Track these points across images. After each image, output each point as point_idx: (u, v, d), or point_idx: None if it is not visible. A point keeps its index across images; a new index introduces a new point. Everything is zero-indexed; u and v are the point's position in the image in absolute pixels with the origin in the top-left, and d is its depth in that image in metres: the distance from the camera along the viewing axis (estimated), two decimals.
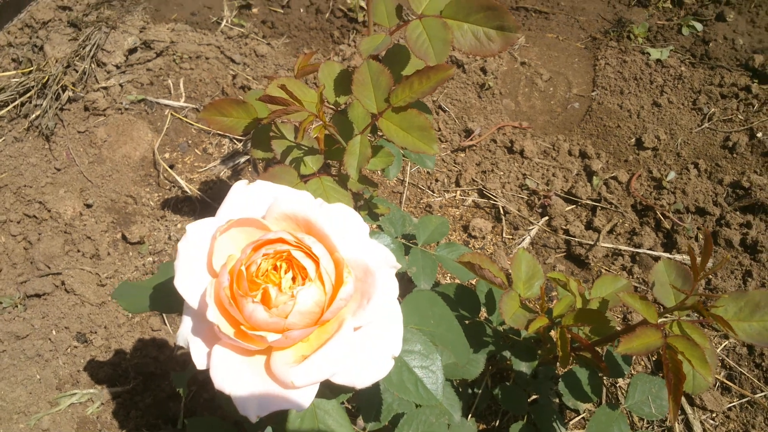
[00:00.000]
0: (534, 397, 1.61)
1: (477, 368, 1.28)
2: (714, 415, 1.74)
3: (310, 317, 0.71)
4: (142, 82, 2.42)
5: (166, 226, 2.11)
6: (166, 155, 2.28)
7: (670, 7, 2.80)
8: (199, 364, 0.73)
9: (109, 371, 1.82)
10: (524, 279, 1.21)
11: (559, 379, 1.30)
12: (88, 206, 2.13)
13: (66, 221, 2.08)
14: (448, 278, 2.04)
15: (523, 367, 1.36)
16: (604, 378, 1.75)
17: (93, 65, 2.41)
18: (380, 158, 1.18)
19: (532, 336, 1.39)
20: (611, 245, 2.07)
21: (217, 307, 0.70)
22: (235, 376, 0.71)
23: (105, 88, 2.37)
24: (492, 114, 2.44)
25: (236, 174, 2.25)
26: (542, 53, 2.70)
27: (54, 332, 1.87)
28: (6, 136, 2.23)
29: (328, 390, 0.83)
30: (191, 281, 0.75)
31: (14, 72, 2.37)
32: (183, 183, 2.19)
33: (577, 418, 1.72)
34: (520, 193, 2.23)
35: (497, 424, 1.70)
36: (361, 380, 0.73)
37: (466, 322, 1.40)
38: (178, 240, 2.05)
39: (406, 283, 1.61)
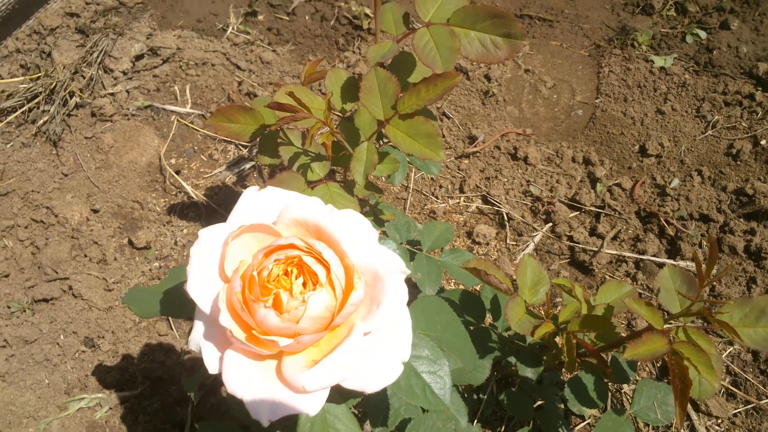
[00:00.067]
0: (539, 402, 1.62)
1: (482, 374, 1.29)
2: (719, 421, 1.75)
3: (321, 322, 0.72)
4: (148, 89, 2.43)
5: (172, 231, 2.12)
6: (173, 161, 2.29)
7: (674, 15, 2.81)
8: (211, 368, 0.74)
9: (116, 376, 1.83)
10: (530, 285, 1.22)
11: (565, 385, 1.30)
12: (95, 211, 2.14)
13: (73, 226, 2.09)
14: (452, 284, 2.05)
15: (529, 372, 1.37)
16: (610, 384, 1.75)
17: (100, 71, 2.42)
18: (386, 164, 1.19)
19: (537, 342, 1.39)
20: (615, 252, 2.08)
21: (229, 312, 0.71)
22: (246, 380, 0.72)
23: (112, 94, 2.38)
24: (496, 121, 2.45)
25: (242, 180, 2.26)
26: (546, 60, 2.71)
27: (62, 337, 1.88)
28: (14, 142, 2.24)
29: (337, 395, 0.84)
30: (203, 286, 0.75)
31: (22, 78, 2.38)
32: (189, 189, 2.20)
33: (582, 424, 1.72)
34: (524, 200, 2.24)
35: (503, 429, 1.71)
36: (371, 385, 0.73)
37: (471, 327, 1.40)
38: (184, 245, 2.06)
39: (410, 288, 1.61)
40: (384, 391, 1.03)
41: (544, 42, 2.79)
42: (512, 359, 1.40)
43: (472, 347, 1.04)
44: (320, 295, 0.72)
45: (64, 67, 2.38)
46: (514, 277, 1.56)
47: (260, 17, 2.79)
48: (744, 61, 2.54)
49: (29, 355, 1.83)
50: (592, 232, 2.14)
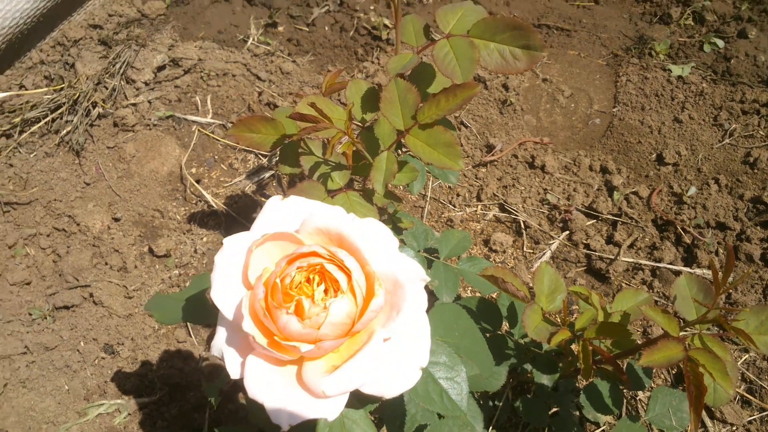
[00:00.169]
0: (555, 409, 1.62)
1: (499, 380, 1.29)
2: (734, 428, 1.74)
3: (342, 328, 0.73)
4: (170, 99, 2.46)
5: (192, 239, 2.14)
6: (193, 170, 2.31)
7: (692, 24, 2.81)
8: (233, 373, 0.75)
9: (135, 382, 1.84)
10: (546, 292, 1.22)
11: (580, 392, 1.31)
12: (116, 220, 2.16)
13: (94, 234, 2.11)
14: (469, 291, 2.06)
15: (545, 379, 1.37)
16: (625, 391, 1.76)
17: (123, 82, 2.45)
18: (405, 173, 1.20)
19: (553, 349, 1.40)
20: (632, 259, 2.08)
21: (251, 318, 0.72)
22: (267, 385, 0.73)
23: (134, 104, 2.41)
24: (513, 130, 2.46)
25: (261, 189, 2.28)
26: (564, 70, 2.72)
27: (82, 343, 1.90)
28: (37, 152, 2.27)
29: (356, 400, 0.84)
30: (227, 293, 0.77)
31: (46, 89, 2.41)
32: (209, 197, 2.23)
33: (597, 431, 1.73)
34: (540, 208, 2.24)
35: None
36: (389, 390, 0.74)
37: (488, 335, 1.41)
38: (204, 253, 2.08)
39: (428, 296, 1.62)
40: (401, 397, 1.03)
41: (562, 51, 2.79)
42: (528, 366, 1.41)
43: (488, 354, 1.05)
44: (341, 301, 0.73)
45: (87, 78, 2.41)
46: (531, 284, 1.57)
47: (280, 28, 2.81)
48: (762, 69, 2.54)
49: (50, 361, 1.85)
50: (609, 240, 2.15)
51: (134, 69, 2.48)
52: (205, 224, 2.18)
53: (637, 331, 1.95)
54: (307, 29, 2.80)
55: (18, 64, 2.53)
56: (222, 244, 0.78)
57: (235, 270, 0.78)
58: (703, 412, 1.77)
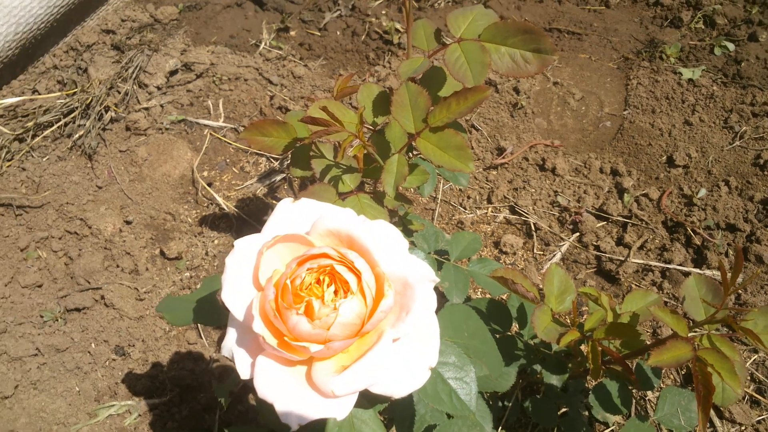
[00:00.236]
0: (564, 409, 1.62)
1: (508, 381, 1.29)
2: (743, 428, 1.74)
3: (351, 329, 0.74)
4: (182, 103, 2.47)
5: (204, 242, 2.15)
6: (205, 173, 2.33)
7: (703, 27, 2.81)
8: (243, 373, 0.76)
9: (146, 383, 1.85)
10: (556, 294, 1.23)
11: (589, 392, 1.31)
12: (128, 223, 2.17)
13: (106, 237, 2.13)
14: (479, 293, 2.06)
15: (554, 380, 1.38)
16: (634, 391, 1.76)
17: (135, 87, 2.47)
18: (416, 176, 1.21)
19: (562, 350, 1.40)
20: (642, 261, 2.08)
21: (262, 319, 0.73)
22: (277, 385, 0.73)
23: (146, 108, 2.43)
24: (524, 133, 2.47)
25: (272, 192, 2.29)
26: (575, 73, 2.72)
27: (93, 345, 1.91)
28: (50, 155, 2.29)
29: (365, 400, 0.85)
30: (237, 294, 0.77)
31: (59, 93, 2.43)
32: (221, 200, 2.24)
33: (606, 431, 1.73)
34: (551, 210, 2.25)
35: None
36: (398, 390, 0.75)
37: (498, 336, 1.41)
38: (215, 256, 2.09)
39: (438, 297, 1.63)
40: (410, 397, 1.04)
41: (572, 55, 2.80)
42: (538, 367, 1.41)
43: (498, 354, 1.05)
44: (351, 302, 0.73)
45: (99, 83, 2.43)
46: (541, 286, 1.57)
47: (292, 33, 2.82)
48: None
49: (61, 363, 1.86)
50: (619, 241, 2.15)
51: (147, 73, 2.49)
52: (217, 227, 2.19)
53: (647, 332, 1.95)
54: (319, 34, 2.81)
55: (31, 68, 2.55)
56: (233, 246, 0.79)
57: (246, 272, 0.78)
58: (712, 412, 1.77)
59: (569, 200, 2.25)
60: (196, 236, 2.17)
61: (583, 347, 1.28)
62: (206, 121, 2.44)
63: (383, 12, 2.86)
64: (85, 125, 2.32)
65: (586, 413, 1.57)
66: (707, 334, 1.04)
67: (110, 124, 2.37)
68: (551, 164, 2.34)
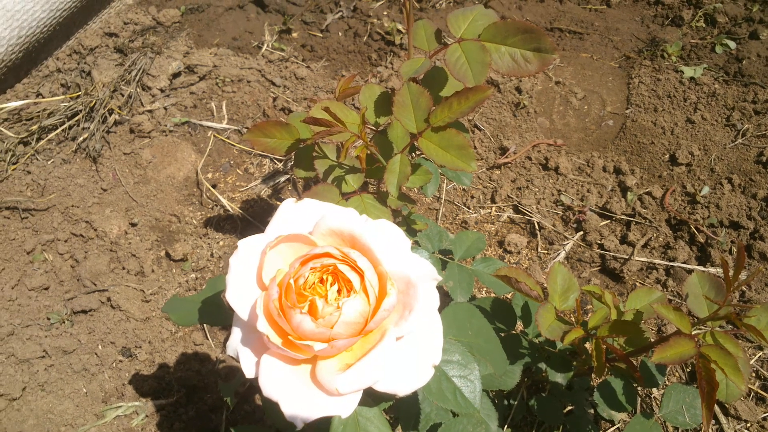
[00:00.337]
0: (569, 407, 1.63)
1: (513, 379, 1.30)
2: (748, 425, 1.74)
3: (355, 327, 0.74)
4: (185, 105, 2.48)
5: (209, 243, 2.15)
6: (209, 175, 2.33)
7: (704, 26, 2.81)
8: (248, 372, 0.76)
9: (153, 384, 1.86)
10: (560, 292, 1.23)
11: (594, 390, 1.31)
12: (133, 225, 2.18)
13: (112, 240, 2.13)
14: (483, 292, 2.07)
15: (559, 378, 1.38)
16: (639, 389, 1.76)
17: (138, 89, 2.48)
18: (419, 176, 1.21)
19: (567, 348, 1.40)
20: (645, 259, 2.08)
21: (266, 318, 0.73)
22: (282, 383, 0.74)
23: (150, 111, 2.43)
24: (527, 132, 2.47)
25: (276, 193, 2.29)
26: (577, 72, 2.72)
27: (100, 347, 1.91)
28: (55, 159, 2.30)
29: (369, 398, 0.85)
30: (242, 294, 0.78)
31: (63, 97, 2.44)
32: (225, 202, 2.24)
33: (611, 429, 1.72)
34: (554, 209, 2.25)
35: None
36: (402, 388, 0.75)
37: (502, 334, 1.41)
38: (220, 257, 2.10)
39: (442, 297, 1.63)
40: (415, 396, 1.05)
41: (574, 54, 2.80)
42: (542, 365, 1.41)
43: (502, 353, 1.06)
44: (354, 301, 0.74)
45: (103, 86, 2.44)
46: (545, 284, 1.58)
47: (294, 34, 2.83)
48: None
49: (68, 364, 1.87)
50: (623, 240, 2.15)
51: (150, 76, 2.50)
52: (221, 228, 2.20)
53: (652, 329, 1.95)
54: (321, 35, 2.82)
55: (35, 72, 2.56)
56: (237, 246, 0.80)
57: (250, 271, 0.79)
58: (718, 409, 1.77)
59: (573, 199, 2.25)
60: (201, 238, 2.17)
61: (587, 345, 1.28)
62: (210, 123, 2.45)
63: (385, 13, 2.86)
64: (89, 128, 2.33)
65: (592, 411, 1.57)
66: (711, 331, 1.04)
67: (114, 127, 2.38)
68: (554, 163, 2.34)
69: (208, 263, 2.10)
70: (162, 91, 2.50)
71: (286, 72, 2.63)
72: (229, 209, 2.23)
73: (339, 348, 0.74)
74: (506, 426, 1.55)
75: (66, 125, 2.35)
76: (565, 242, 2.17)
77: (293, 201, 0.84)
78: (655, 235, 2.14)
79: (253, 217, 2.21)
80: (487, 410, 1.22)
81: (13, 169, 2.26)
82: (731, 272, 0.98)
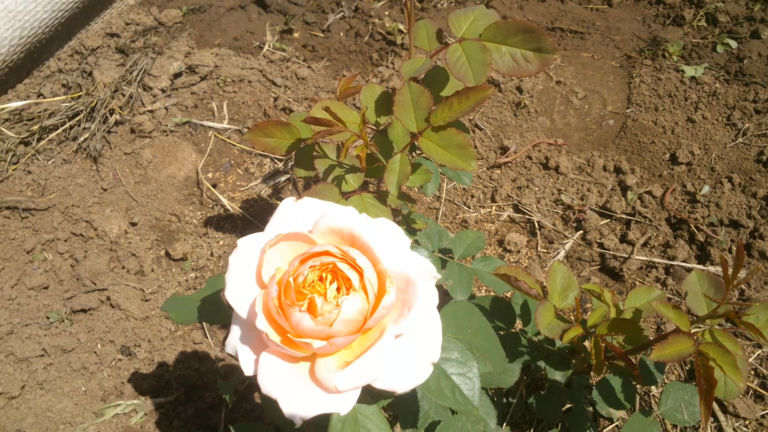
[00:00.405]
0: (568, 405, 1.63)
1: (512, 377, 1.30)
2: (747, 422, 1.74)
3: (354, 325, 0.74)
4: (186, 105, 2.48)
5: (209, 243, 2.16)
6: (209, 175, 2.33)
7: (705, 25, 2.81)
8: (247, 370, 0.76)
9: (152, 383, 1.86)
10: (559, 290, 1.23)
11: (593, 388, 1.31)
12: (133, 224, 2.18)
13: (112, 239, 2.14)
14: (483, 291, 2.07)
15: (558, 376, 1.38)
16: (638, 386, 1.76)
17: (140, 89, 2.48)
18: (419, 175, 1.21)
19: (566, 346, 1.40)
20: (645, 258, 2.08)
21: (265, 316, 0.73)
22: (281, 381, 0.74)
23: (151, 111, 2.44)
24: (527, 132, 2.47)
25: (277, 192, 2.30)
26: (577, 72, 2.72)
27: (99, 346, 1.92)
28: (55, 158, 2.30)
29: (368, 396, 0.85)
30: (241, 292, 0.78)
31: (64, 97, 2.44)
32: (225, 201, 2.25)
33: (610, 427, 1.73)
34: (555, 208, 2.25)
35: None
36: (401, 385, 0.75)
37: (502, 333, 1.41)
38: (220, 256, 2.10)
39: (442, 295, 1.63)
40: (414, 394, 1.05)
41: (575, 54, 2.80)
42: (542, 363, 1.42)
43: (501, 351, 1.06)
44: (353, 299, 0.74)
45: (104, 86, 2.44)
46: (545, 283, 1.58)
47: (296, 34, 2.83)
48: None
49: (67, 363, 1.87)
50: (623, 239, 2.15)
51: (151, 76, 2.51)
52: (222, 228, 2.20)
53: (651, 328, 1.95)
54: (323, 35, 2.82)
55: (36, 72, 2.56)
56: (236, 245, 0.80)
57: (249, 270, 0.79)
58: (716, 407, 1.78)
59: (573, 198, 2.25)
60: (201, 237, 2.17)
61: (586, 343, 1.28)
62: (210, 123, 2.45)
63: (386, 13, 2.87)
64: (90, 128, 2.33)
65: (591, 409, 1.57)
66: (709, 329, 1.05)
67: (115, 127, 2.38)
68: (554, 163, 2.35)
69: (207, 262, 2.11)
70: (163, 91, 2.50)
71: (288, 72, 2.63)
72: (230, 209, 2.23)
73: (338, 346, 0.74)
74: (505, 424, 1.55)
75: (67, 125, 2.36)
76: (565, 241, 2.17)
77: (293, 200, 0.84)
78: (654, 233, 2.14)
79: (253, 217, 2.21)
80: (485, 408, 1.22)
81: (13, 169, 2.26)
82: (730, 271, 0.98)
